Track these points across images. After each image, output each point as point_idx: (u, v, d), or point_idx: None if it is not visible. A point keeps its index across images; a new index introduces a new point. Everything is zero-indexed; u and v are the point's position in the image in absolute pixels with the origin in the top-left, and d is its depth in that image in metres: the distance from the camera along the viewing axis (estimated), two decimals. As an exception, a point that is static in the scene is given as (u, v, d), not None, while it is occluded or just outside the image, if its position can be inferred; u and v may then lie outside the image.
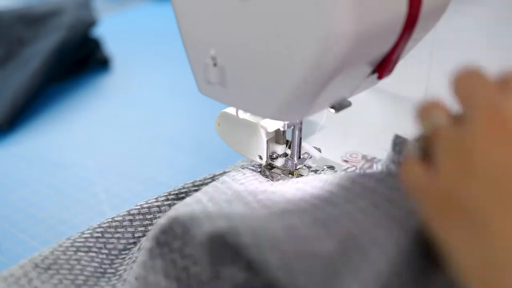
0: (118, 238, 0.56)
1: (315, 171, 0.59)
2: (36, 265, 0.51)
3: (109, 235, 0.56)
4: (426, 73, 0.73)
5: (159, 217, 0.57)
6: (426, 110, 0.39)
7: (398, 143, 0.42)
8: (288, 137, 0.58)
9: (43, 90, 1.00)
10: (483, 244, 0.30)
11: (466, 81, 0.38)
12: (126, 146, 0.87)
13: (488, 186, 0.32)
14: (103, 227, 0.57)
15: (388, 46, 0.46)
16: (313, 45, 0.42)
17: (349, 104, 0.50)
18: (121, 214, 0.58)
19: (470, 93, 0.37)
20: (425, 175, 0.35)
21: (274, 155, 0.57)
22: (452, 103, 0.39)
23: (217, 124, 0.60)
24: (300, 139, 0.57)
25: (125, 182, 0.78)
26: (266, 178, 0.57)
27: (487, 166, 0.32)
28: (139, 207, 0.58)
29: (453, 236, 0.32)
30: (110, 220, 0.57)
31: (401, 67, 0.52)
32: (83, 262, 0.53)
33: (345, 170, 0.59)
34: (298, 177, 0.58)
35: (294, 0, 0.41)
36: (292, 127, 0.56)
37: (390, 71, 0.49)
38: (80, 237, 0.56)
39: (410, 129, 0.69)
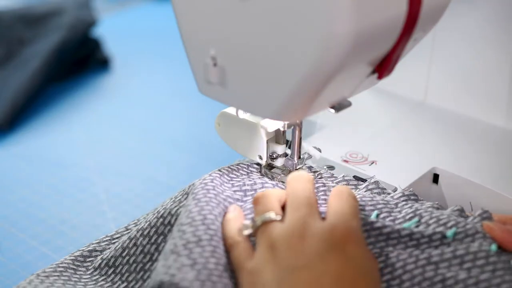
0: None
1: (315, 172, 0.59)
2: None
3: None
4: (426, 73, 0.73)
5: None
6: (260, 203, 0.50)
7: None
8: (288, 137, 0.58)
9: (43, 90, 1.00)
10: None
11: (299, 185, 0.50)
12: (126, 146, 0.87)
13: (281, 274, 0.44)
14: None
15: (388, 46, 0.46)
16: (313, 45, 0.42)
17: (349, 104, 0.50)
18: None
19: (295, 198, 0.49)
20: (245, 253, 0.48)
21: (274, 155, 0.57)
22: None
23: (217, 124, 0.60)
24: (300, 139, 0.57)
25: (125, 182, 0.78)
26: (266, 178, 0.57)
27: (285, 260, 0.45)
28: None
29: None
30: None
31: (401, 67, 0.52)
32: None
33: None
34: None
35: (295, 1, 0.41)
36: (292, 127, 0.56)
37: (390, 71, 0.49)
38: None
39: (409, 129, 0.69)
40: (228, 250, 0.49)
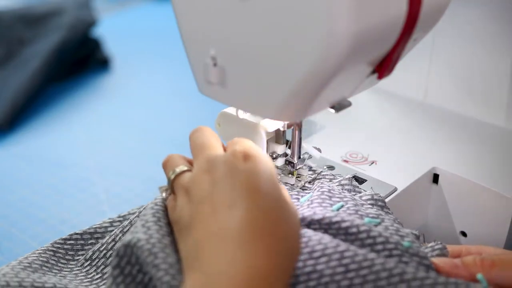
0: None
1: (315, 171, 0.59)
2: None
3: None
4: (426, 73, 0.73)
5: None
6: (168, 164, 0.52)
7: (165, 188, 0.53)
8: (288, 137, 0.58)
9: (43, 90, 1.00)
10: (188, 243, 0.45)
11: (196, 137, 0.52)
12: (126, 146, 0.87)
13: (194, 207, 0.46)
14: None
15: (388, 46, 0.46)
16: (313, 45, 0.42)
17: (349, 104, 0.50)
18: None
19: (196, 147, 0.51)
20: (173, 208, 0.50)
21: (274, 155, 0.57)
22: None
23: (217, 124, 0.60)
24: (300, 139, 0.57)
25: (125, 182, 0.78)
26: None
27: (196, 194, 0.46)
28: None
29: (181, 243, 0.47)
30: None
31: (401, 67, 0.52)
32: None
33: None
34: (298, 176, 0.58)
35: (295, 0, 0.41)
36: (292, 127, 0.56)
37: (390, 71, 0.49)
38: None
39: (409, 129, 0.69)
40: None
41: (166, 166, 0.53)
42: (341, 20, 0.40)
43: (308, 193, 0.56)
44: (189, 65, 0.51)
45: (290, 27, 0.42)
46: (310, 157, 0.58)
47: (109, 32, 1.19)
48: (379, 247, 0.48)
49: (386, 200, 0.57)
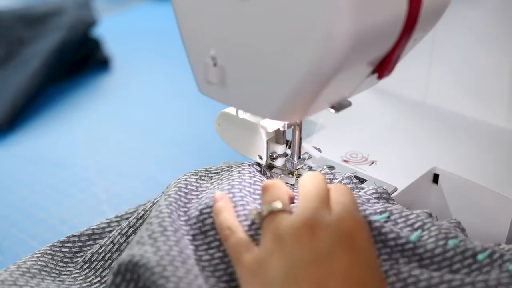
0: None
1: (314, 171, 0.59)
2: None
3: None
4: (426, 73, 0.73)
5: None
6: (269, 193, 0.49)
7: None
8: (288, 137, 0.58)
9: (43, 90, 1.00)
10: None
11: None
12: (126, 146, 0.87)
13: (293, 268, 0.43)
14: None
15: (388, 46, 0.46)
16: (313, 46, 0.42)
17: (349, 104, 0.50)
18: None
19: (306, 194, 0.48)
20: (243, 244, 0.47)
21: (274, 155, 0.57)
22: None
23: (217, 124, 0.60)
24: (300, 139, 0.57)
25: (125, 182, 0.78)
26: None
27: (296, 253, 0.43)
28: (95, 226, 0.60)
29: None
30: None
31: (401, 67, 0.52)
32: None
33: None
34: (298, 177, 0.58)
35: (294, 0, 0.41)
36: (292, 127, 0.56)
37: (390, 71, 0.49)
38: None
39: (410, 129, 0.69)
40: (223, 239, 0.49)
41: (266, 191, 0.50)
42: (341, 20, 0.40)
43: None
44: (189, 65, 0.51)
45: (290, 27, 0.42)
46: (310, 157, 0.58)
47: (109, 32, 1.19)
48: (391, 243, 0.49)
49: (386, 200, 0.57)
